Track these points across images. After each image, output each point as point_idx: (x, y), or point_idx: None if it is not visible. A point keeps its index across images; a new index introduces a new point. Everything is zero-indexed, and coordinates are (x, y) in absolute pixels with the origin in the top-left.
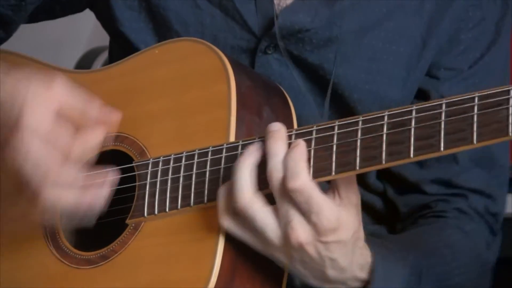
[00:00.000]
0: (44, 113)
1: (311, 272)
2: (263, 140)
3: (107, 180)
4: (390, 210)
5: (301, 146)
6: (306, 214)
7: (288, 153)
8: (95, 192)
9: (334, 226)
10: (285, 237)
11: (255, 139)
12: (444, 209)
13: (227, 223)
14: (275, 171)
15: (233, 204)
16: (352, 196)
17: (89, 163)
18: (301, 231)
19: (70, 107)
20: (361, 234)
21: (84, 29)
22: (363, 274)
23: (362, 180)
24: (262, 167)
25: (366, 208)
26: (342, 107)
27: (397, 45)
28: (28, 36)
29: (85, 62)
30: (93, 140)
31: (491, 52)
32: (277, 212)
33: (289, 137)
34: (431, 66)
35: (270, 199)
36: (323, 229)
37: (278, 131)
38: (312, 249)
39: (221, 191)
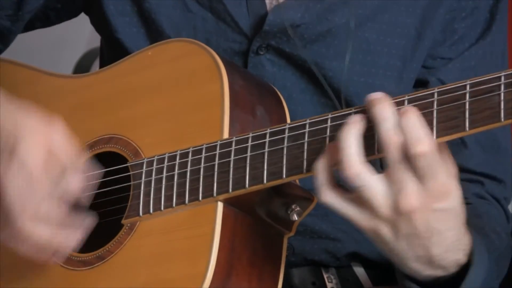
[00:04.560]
0: (37, 149)
1: (415, 249)
2: (357, 111)
3: (84, 224)
4: None
5: (415, 109)
6: (423, 178)
7: (405, 117)
8: (70, 233)
9: (446, 190)
10: (396, 205)
11: (249, 134)
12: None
13: (329, 197)
14: (391, 136)
15: (343, 174)
16: (451, 167)
17: (73, 204)
18: (414, 198)
19: (61, 152)
20: (464, 209)
21: (83, 29)
22: (464, 258)
23: None
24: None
25: None
26: (339, 101)
27: (391, 37)
28: (28, 37)
29: (84, 63)
30: (75, 185)
31: (486, 37)
32: (388, 179)
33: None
34: (427, 57)
35: None
36: (436, 194)
37: (384, 97)
38: (421, 217)
39: (320, 166)
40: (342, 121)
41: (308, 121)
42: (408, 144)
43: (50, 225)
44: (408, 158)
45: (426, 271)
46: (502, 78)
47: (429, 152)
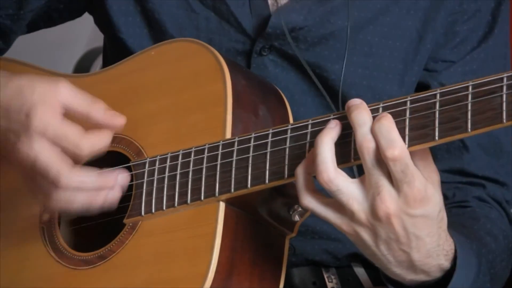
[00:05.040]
0: (51, 115)
1: (396, 255)
2: (337, 117)
3: (118, 181)
4: None
5: (389, 116)
6: (398, 183)
7: (378, 122)
8: (107, 194)
9: (423, 196)
10: (373, 210)
11: (251, 134)
12: (464, 199)
13: (307, 201)
14: (366, 141)
15: (318, 179)
16: (432, 174)
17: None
18: (390, 202)
19: (75, 109)
20: (445, 215)
21: (83, 29)
22: (447, 263)
23: None
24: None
25: None
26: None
27: (393, 40)
28: (28, 37)
29: (85, 63)
30: (101, 142)
31: (488, 40)
32: (364, 184)
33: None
34: (429, 60)
35: None
36: (412, 199)
37: (361, 103)
38: (399, 223)
39: (299, 171)
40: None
41: (310, 121)
42: (381, 149)
43: (86, 191)
44: (383, 163)
45: (409, 276)
46: (505, 80)
47: (402, 157)
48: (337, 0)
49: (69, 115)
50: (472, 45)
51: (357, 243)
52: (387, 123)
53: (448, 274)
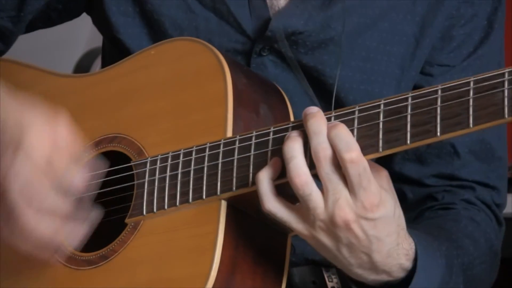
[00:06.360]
0: (42, 142)
1: (357, 257)
2: (294, 126)
3: (89, 217)
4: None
5: (343, 124)
6: (354, 189)
7: (334, 129)
8: (74, 227)
9: (379, 201)
10: (332, 217)
11: (252, 133)
12: (452, 201)
13: (272, 206)
14: (322, 148)
15: (292, 183)
16: (382, 173)
17: (77, 199)
18: (348, 210)
19: (66, 145)
20: (402, 213)
21: (83, 29)
22: (408, 263)
23: None
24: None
25: None
26: (337, 108)
27: (391, 45)
28: (28, 37)
29: (84, 63)
30: (80, 180)
31: (484, 46)
32: (324, 193)
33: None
34: (424, 63)
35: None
36: (369, 205)
37: (318, 112)
38: (359, 227)
39: (263, 176)
40: (346, 118)
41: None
42: (339, 153)
43: (55, 219)
44: (340, 168)
45: (371, 276)
46: (506, 75)
47: (360, 159)
48: (338, 5)
49: (60, 146)
50: (468, 50)
51: (317, 248)
52: (344, 129)
53: (411, 274)
